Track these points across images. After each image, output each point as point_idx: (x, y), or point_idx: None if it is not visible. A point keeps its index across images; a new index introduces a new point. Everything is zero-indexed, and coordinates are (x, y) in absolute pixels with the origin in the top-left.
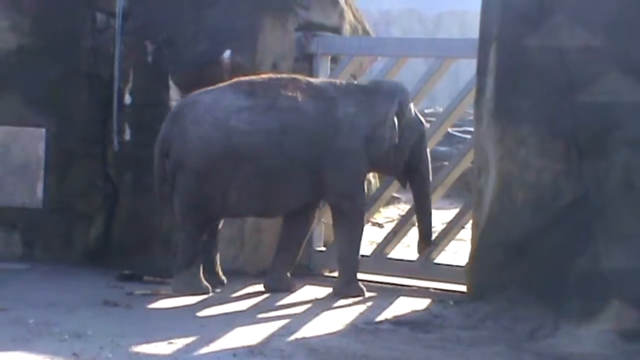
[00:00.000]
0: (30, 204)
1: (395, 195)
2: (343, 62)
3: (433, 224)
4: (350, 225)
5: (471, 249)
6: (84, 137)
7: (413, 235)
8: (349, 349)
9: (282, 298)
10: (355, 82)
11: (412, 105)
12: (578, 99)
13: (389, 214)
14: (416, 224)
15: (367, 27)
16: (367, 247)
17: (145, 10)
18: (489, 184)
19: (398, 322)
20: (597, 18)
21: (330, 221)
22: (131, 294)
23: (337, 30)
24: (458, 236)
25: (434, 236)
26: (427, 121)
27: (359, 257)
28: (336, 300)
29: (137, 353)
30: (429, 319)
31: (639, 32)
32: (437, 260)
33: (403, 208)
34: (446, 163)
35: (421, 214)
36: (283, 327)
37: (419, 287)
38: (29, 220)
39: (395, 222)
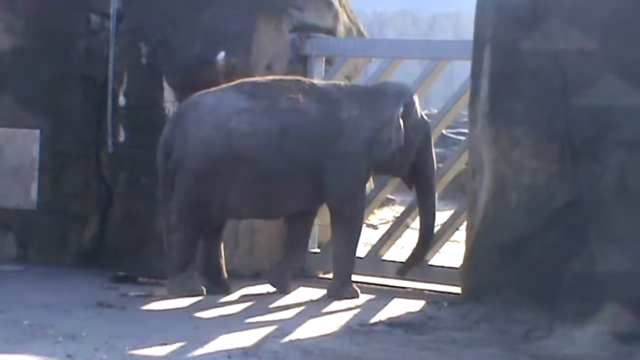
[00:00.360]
0: (24, 205)
1: (390, 197)
2: (337, 64)
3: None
4: (349, 227)
5: (466, 250)
6: (78, 138)
7: (407, 237)
8: (344, 350)
9: (276, 300)
10: (361, 84)
11: (417, 107)
12: (572, 101)
13: (383, 216)
14: (416, 225)
15: (362, 28)
16: (361, 248)
17: (140, 11)
18: (483, 185)
19: (392, 323)
20: (591, 21)
21: (325, 223)
22: (126, 295)
23: (331, 31)
24: (452, 238)
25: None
26: None
27: (355, 259)
28: (330, 302)
29: (132, 354)
30: (423, 320)
31: (633, 35)
32: (431, 262)
33: (397, 210)
34: (440, 165)
35: (424, 215)
36: (277, 329)
37: (414, 289)
38: (23, 221)
39: (390, 223)
